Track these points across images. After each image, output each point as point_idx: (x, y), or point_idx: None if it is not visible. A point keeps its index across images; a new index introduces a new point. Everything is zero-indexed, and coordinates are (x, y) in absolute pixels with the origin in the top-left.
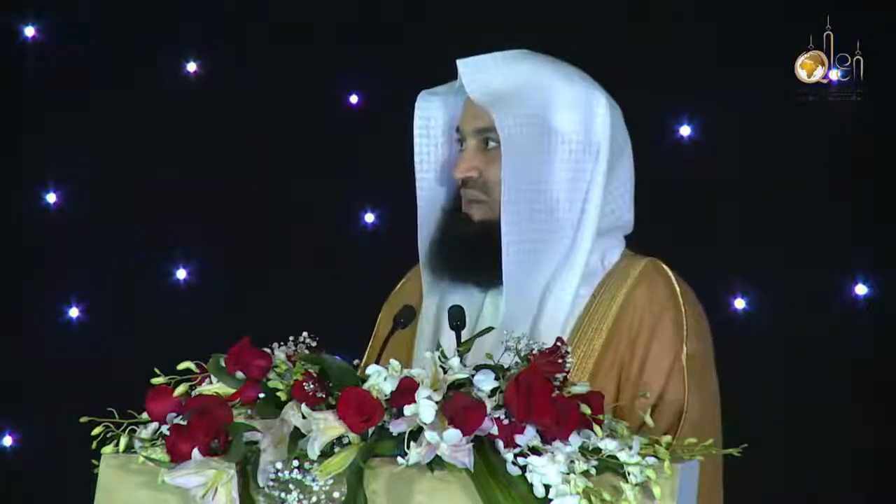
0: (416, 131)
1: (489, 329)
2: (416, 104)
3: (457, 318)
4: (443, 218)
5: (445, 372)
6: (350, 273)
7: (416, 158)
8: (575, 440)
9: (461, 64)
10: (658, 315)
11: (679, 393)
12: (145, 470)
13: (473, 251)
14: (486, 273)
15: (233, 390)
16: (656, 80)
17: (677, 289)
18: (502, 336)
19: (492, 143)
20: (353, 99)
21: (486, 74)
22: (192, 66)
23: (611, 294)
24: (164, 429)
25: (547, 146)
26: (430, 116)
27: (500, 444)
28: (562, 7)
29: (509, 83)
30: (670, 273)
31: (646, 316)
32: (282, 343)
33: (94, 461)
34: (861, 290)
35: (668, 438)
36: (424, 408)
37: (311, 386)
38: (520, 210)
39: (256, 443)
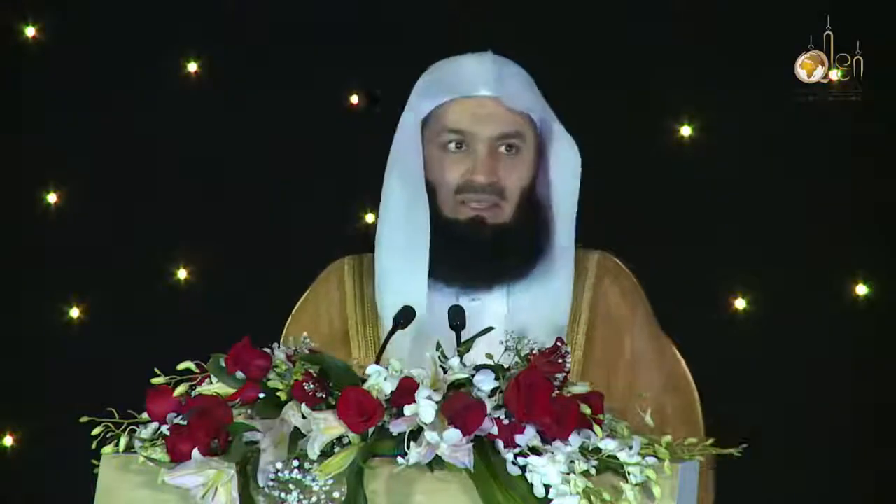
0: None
1: (489, 329)
2: (407, 107)
3: (457, 318)
4: (437, 222)
5: (445, 372)
6: None
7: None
8: (575, 440)
9: (494, 65)
10: (633, 308)
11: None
12: (145, 470)
13: (496, 256)
14: (504, 276)
15: (233, 390)
16: (656, 80)
17: (636, 281)
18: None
19: (513, 150)
20: (354, 99)
21: (507, 84)
22: (192, 66)
23: (576, 288)
24: (164, 429)
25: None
26: (415, 120)
27: (500, 444)
28: (562, 7)
29: (522, 93)
30: (624, 266)
31: (624, 310)
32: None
33: (94, 461)
34: (861, 290)
35: (668, 438)
36: (424, 408)
37: (311, 386)
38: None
39: (256, 443)
